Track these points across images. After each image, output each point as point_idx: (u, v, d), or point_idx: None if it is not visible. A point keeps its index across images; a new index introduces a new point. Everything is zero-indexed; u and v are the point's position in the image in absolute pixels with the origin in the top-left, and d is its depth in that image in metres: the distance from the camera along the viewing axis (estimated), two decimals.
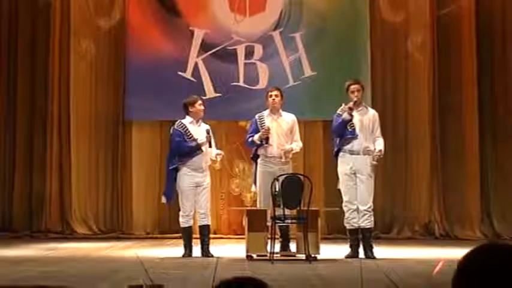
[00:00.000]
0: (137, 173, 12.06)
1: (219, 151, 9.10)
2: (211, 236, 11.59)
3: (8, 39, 12.11)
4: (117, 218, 12.04)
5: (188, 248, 8.78)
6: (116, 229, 11.99)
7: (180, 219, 8.86)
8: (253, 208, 9.20)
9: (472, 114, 11.92)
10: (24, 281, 6.59)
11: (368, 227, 8.60)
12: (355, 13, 11.94)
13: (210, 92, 11.78)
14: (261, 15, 12.00)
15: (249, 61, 11.93)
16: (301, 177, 8.61)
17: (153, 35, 11.95)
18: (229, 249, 9.71)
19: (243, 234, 8.98)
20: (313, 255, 8.24)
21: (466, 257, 1.81)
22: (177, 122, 8.97)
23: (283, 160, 8.87)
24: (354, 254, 8.60)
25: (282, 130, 8.96)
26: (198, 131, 8.89)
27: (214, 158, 9.01)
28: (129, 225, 11.98)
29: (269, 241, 8.29)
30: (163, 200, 9.06)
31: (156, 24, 11.97)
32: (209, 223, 8.97)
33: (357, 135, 8.61)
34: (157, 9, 11.99)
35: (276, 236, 8.50)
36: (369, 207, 8.59)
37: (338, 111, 8.76)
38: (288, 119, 9.06)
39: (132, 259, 8.06)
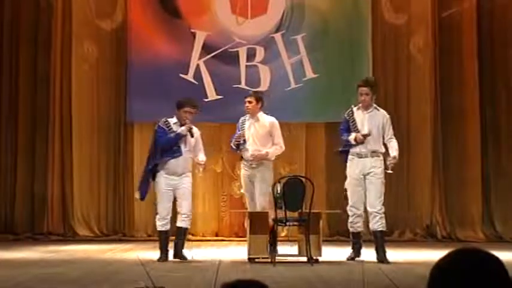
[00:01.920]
0: (138, 176, 12.02)
1: (203, 159, 8.77)
2: (214, 238, 11.66)
3: (10, 41, 12.11)
4: (119, 220, 12.03)
5: (164, 252, 8.56)
6: (117, 231, 11.98)
7: (157, 223, 8.71)
8: (255, 211, 9.17)
9: (474, 116, 11.92)
10: (25, 283, 6.59)
11: (380, 229, 8.42)
12: (357, 15, 11.94)
13: (211, 94, 11.77)
14: (262, 17, 11.99)
15: (251, 63, 11.92)
16: (303, 179, 8.60)
17: (155, 37, 11.94)
18: (231, 252, 9.70)
19: (245, 236, 8.97)
20: (315, 258, 8.23)
21: (439, 263, 1.85)
22: (162, 119, 8.75)
23: (253, 165, 8.83)
24: (355, 255, 8.54)
25: (258, 134, 8.88)
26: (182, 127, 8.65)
27: (201, 163, 8.72)
28: (131, 228, 11.97)
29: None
30: (137, 195, 8.97)
31: (158, 26, 11.97)
32: (188, 226, 8.77)
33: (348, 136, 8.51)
34: (159, 11, 11.98)
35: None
36: (380, 209, 8.42)
37: (345, 115, 8.65)
38: (266, 122, 8.94)
39: (133, 261, 8.05)
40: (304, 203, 8.37)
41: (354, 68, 11.73)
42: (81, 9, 12.08)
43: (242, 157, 8.98)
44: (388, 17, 12.07)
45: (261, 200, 8.81)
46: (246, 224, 8.73)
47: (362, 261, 8.21)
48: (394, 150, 8.51)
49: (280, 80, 11.82)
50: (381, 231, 8.45)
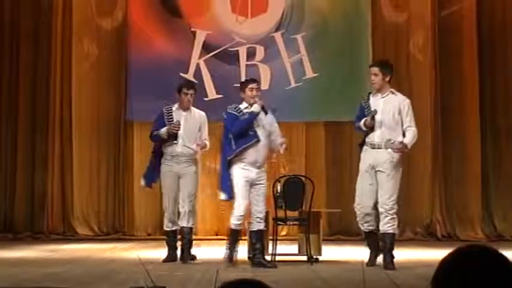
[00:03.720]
0: (139, 174, 12.00)
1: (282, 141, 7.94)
2: (214, 237, 11.64)
3: (10, 40, 12.10)
4: (119, 219, 12.04)
5: (235, 251, 7.79)
6: (117, 230, 11.98)
7: (233, 221, 7.80)
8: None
9: (474, 115, 11.92)
10: (25, 282, 6.59)
11: (390, 232, 7.54)
12: (357, 14, 11.93)
13: (211, 93, 11.77)
14: (262, 16, 11.99)
15: (251, 62, 11.92)
16: (303, 178, 8.59)
17: (155, 36, 11.95)
18: None
19: (245, 236, 8.96)
20: (315, 257, 8.23)
21: (444, 261, 1.85)
22: (232, 106, 7.94)
23: (183, 160, 8.40)
24: (373, 261, 7.67)
25: (189, 128, 8.43)
26: (255, 105, 7.79)
27: (283, 143, 7.92)
28: (131, 227, 11.97)
29: (271, 243, 8.27)
30: (223, 196, 8.03)
31: (158, 25, 11.97)
32: (264, 228, 7.88)
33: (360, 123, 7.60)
34: (159, 10, 11.98)
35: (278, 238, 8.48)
36: (390, 209, 7.51)
37: (362, 102, 7.72)
38: (198, 116, 8.57)
39: (133, 260, 8.05)
40: (304, 202, 8.36)
41: (353, 67, 11.72)
42: (82, 8, 12.08)
43: (162, 151, 8.33)
44: (387, 16, 12.07)
45: (188, 203, 8.28)
46: (246, 223, 8.71)
47: (362, 261, 8.17)
48: (407, 138, 7.52)
49: (280, 79, 11.82)
50: (391, 234, 7.56)
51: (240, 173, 7.75)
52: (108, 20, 12.09)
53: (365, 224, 7.70)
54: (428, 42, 11.98)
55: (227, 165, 7.83)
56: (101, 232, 11.94)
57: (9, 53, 12.09)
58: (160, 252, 9.61)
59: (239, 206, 7.76)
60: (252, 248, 7.87)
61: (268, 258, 8.03)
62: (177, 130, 8.22)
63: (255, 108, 7.71)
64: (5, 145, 12.06)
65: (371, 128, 7.54)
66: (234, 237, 7.84)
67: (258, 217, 7.78)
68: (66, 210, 11.95)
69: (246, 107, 7.79)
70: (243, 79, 11.79)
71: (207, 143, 8.53)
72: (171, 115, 8.32)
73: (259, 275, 6.66)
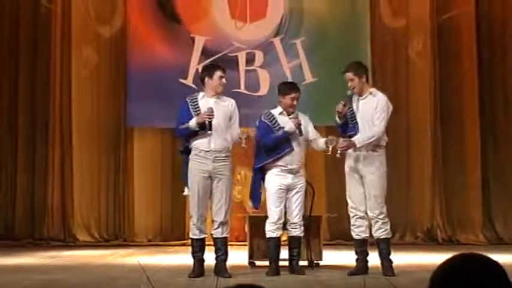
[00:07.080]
0: (139, 181, 12.06)
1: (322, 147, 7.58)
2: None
3: (9, 47, 12.11)
4: (119, 225, 12.04)
5: (276, 262, 7.42)
6: (117, 236, 11.98)
7: (267, 228, 7.45)
8: (255, 215, 9.17)
9: (473, 119, 11.94)
10: None
11: (383, 237, 7.27)
12: (356, 19, 11.96)
13: None
14: (261, 21, 12.01)
15: (250, 68, 11.94)
16: None
17: (154, 42, 11.96)
18: (232, 256, 9.66)
19: (246, 240, 8.96)
20: (315, 262, 8.23)
21: (439, 269, 1.86)
22: (264, 112, 7.61)
23: (219, 157, 7.44)
24: (359, 270, 7.32)
25: (223, 116, 7.48)
26: (290, 122, 7.47)
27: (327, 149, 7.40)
28: (131, 233, 11.97)
29: None
30: (250, 204, 7.81)
31: (157, 31, 11.99)
32: (301, 234, 7.52)
33: (358, 129, 7.24)
34: (158, 16, 12.00)
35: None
36: (380, 214, 7.25)
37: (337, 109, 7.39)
38: (228, 102, 7.61)
39: (134, 266, 8.05)
40: (305, 207, 8.34)
41: None
42: (81, 15, 12.10)
43: (188, 147, 7.36)
44: (386, 21, 12.09)
45: (224, 212, 7.34)
46: (247, 228, 8.71)
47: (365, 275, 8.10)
48: (360, 136, 7.18)
49: None
50: (385, 239, 7.30)
51: (273, 179, 7.39)
52: (107, 27, 12.11)
53: (357, 229, 7.37)
54: (428, 47, 11.99)
55: (260, 171, 7.50)
56: (101, 238, 11.94)
57: (8, 61, 12.09)
58: (160, 258, 9.62)
59: (271, 213, 7.42)
60: (288, 254, 7.59)
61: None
62: (210, 118, 7.18)
63: (290, 128, 7.37)
64: (6, 152, 12.06)
65: (345, 121, 7.25)
66: (270, 246, 7.45)
67: (292, 223, 7.45)
68: (66, 216, 11.95)
69: (281, 113, 7.46)
70: (242, 84, 11.85)
71: (241, 136, 7.46)
72: (197, 104, 7.31)
73: (260, 280, 6.66)
